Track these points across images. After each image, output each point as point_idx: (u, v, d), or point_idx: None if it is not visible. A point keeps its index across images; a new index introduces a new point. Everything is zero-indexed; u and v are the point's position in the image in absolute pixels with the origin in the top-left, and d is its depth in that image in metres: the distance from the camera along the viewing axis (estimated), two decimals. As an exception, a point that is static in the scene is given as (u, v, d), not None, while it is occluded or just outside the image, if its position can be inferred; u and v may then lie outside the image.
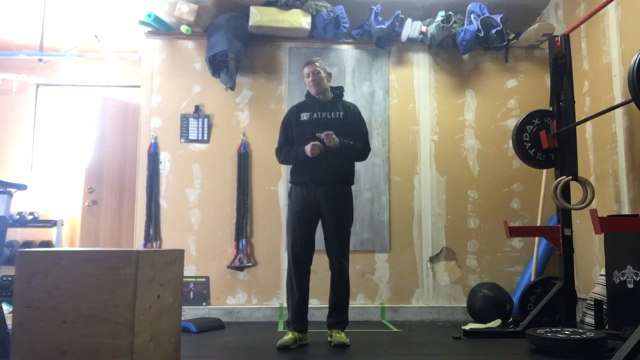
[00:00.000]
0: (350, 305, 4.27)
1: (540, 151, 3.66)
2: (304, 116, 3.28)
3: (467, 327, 3.54)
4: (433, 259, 4.40)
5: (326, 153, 3.12)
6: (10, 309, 3.23)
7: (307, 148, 3.11)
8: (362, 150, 3.30)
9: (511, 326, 3.73)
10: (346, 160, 3.26)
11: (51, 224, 4.93)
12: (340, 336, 3.15)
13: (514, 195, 4.50)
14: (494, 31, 4.40)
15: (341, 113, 3.27)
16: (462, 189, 4.48)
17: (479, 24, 4.36)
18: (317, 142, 3.10)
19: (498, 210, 4.43)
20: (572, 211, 3.52)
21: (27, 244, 5.02)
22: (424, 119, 4.54)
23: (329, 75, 3.37)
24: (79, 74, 5.48)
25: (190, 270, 4.20)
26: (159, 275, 2.19)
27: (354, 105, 3.41)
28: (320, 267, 4.26)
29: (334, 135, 3.11)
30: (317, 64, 3.29)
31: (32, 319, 1.97)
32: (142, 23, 4.33)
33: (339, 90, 3.41)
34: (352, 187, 3.32)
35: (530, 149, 3.68)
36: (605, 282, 3.38)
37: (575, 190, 3.51)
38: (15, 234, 5.06)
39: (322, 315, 4.18)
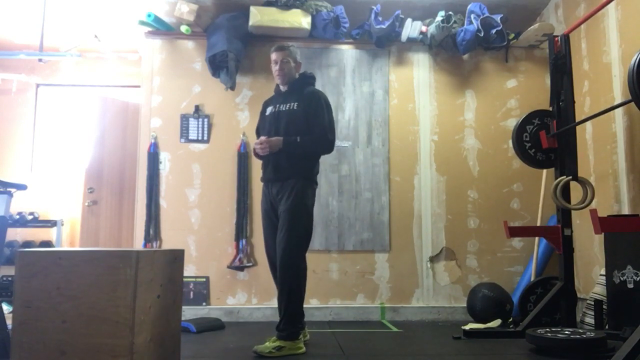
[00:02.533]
0: (350, 305, 4.26)
1: (540, 151, 3.66)
2: (268, 110, 3.16)
3: (467, 327, 3.54)
4: (433, 259, 4.40)
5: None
6: (10, 309, 3.23)
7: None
8: (313, 144, 2.99)
9: (511, 326, 3.73)
10: (295, 155, 2.98)
11: (51, 224, 4.93)
12: (266, 343, 2.86)
13: (514, 195, 4.49)
14: (494, 31, 4.40)
15: (295, 104, 3.01)
16: (462, 189, 4.48)
17: (479, 24, 4.36)
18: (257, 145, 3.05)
19: (498, 210, 4.43)
20: (572, 211, 3.52)
21: (27, 244, 5.02)
22: (424, 119, 4.54)
23: (299, 65, 3.12)
24: (79, 74, 5.48)
25: (190, 270, 4.19)
26: (159, 275, 2.19)
27: (315, 93, 3.09)
28: (320, 267, 4.28)
29: (264, 139, 2.97)
30: (287, 51, 3.03)
31: (32, 319, 1.97)
32: (142, 23, 4.33)
33: (301, 78, 3.14)
34: (311, 179, 3.05)
35: (530, 149, 3.68)
36: (605, 282, 3.38)
37: (575, 190, 3.50)
38: (15, 234, 5.06)
39: (322, 315, 4.21)
